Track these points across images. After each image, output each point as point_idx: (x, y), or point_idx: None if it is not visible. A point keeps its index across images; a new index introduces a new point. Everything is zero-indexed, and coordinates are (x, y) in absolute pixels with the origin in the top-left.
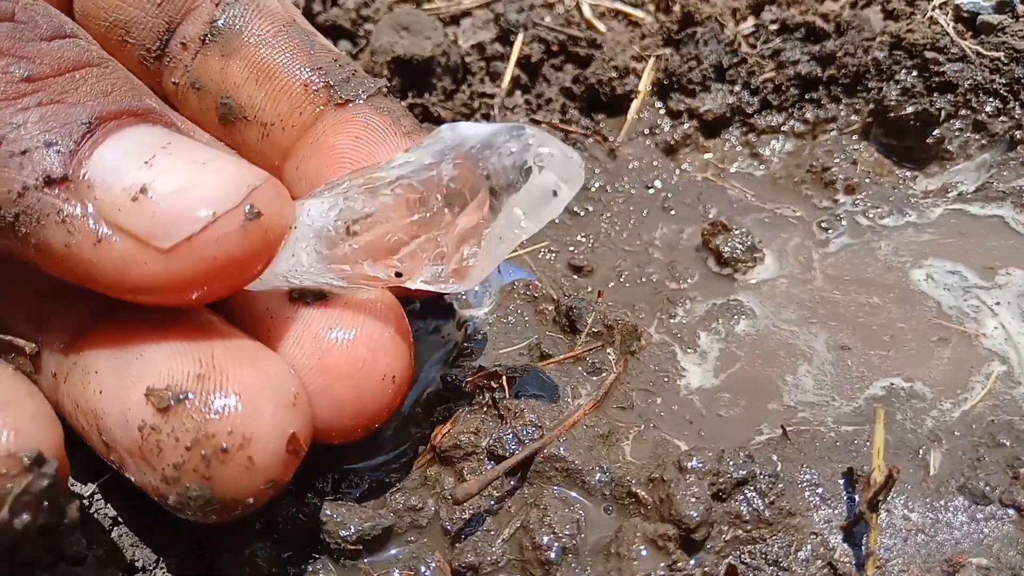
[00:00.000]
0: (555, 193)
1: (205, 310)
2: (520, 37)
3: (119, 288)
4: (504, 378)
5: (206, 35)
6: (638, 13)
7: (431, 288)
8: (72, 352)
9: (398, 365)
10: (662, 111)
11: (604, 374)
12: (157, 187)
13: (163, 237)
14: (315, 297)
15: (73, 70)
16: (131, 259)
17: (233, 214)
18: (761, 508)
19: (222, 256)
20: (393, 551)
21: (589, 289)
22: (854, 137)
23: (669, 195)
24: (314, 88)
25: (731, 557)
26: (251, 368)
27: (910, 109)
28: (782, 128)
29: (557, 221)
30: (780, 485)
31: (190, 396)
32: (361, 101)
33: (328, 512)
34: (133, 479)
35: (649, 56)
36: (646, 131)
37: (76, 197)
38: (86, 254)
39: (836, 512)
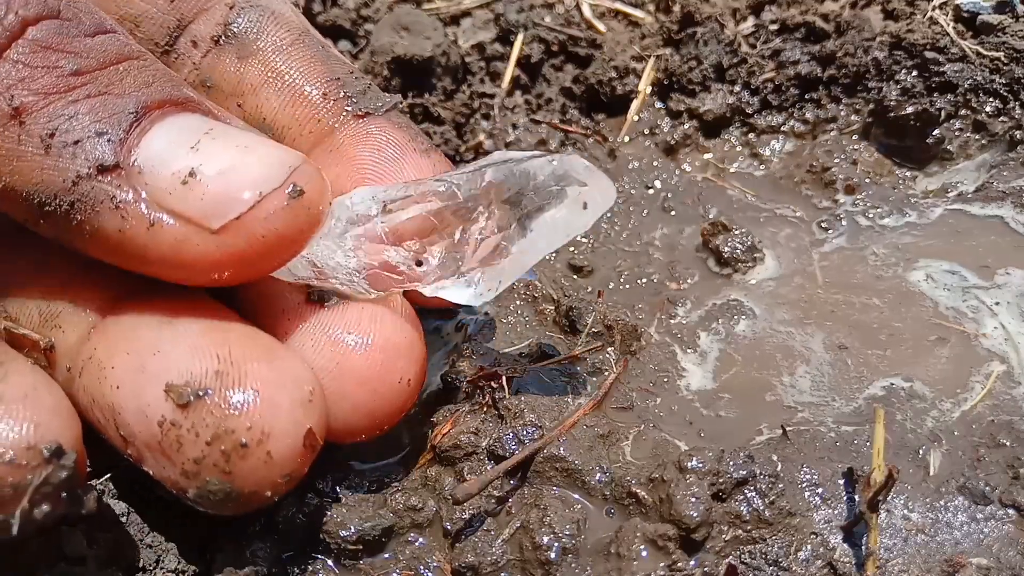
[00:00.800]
0: (584, 207)
1: (223, 306)
2: (520, 37)
3: (172, 268)
4: (504, 378)
5: (219, 36)
6: (638, 13)
7: (446, 294)
8: (86, 347)
9: (412, 369)
10: (662, 111)
11: (604, 374)
12: (205, 170)
13: (214, 217)
14: (332, 300)
15: (116, 63)
16: (184, 240)
17: (278, 193)
18: (761, 508)
19: (270, 233)
20: (393, 551)
21: (589, 289)
22: (854, 137)
23: (669, 195)
24: (333, 98)
25: (731, 557)
26: (268, 364)
27: (910, 109)
28: (782, 128)
29: None
30: (780, 485)
31: (209, 392)
32: (379, 115)
33: (328, 512)
34: (152, 473)
35: (649, 56)
36: (646, 131)
37: (128, 183)
38: (140, 238)
39: (836, 512)
